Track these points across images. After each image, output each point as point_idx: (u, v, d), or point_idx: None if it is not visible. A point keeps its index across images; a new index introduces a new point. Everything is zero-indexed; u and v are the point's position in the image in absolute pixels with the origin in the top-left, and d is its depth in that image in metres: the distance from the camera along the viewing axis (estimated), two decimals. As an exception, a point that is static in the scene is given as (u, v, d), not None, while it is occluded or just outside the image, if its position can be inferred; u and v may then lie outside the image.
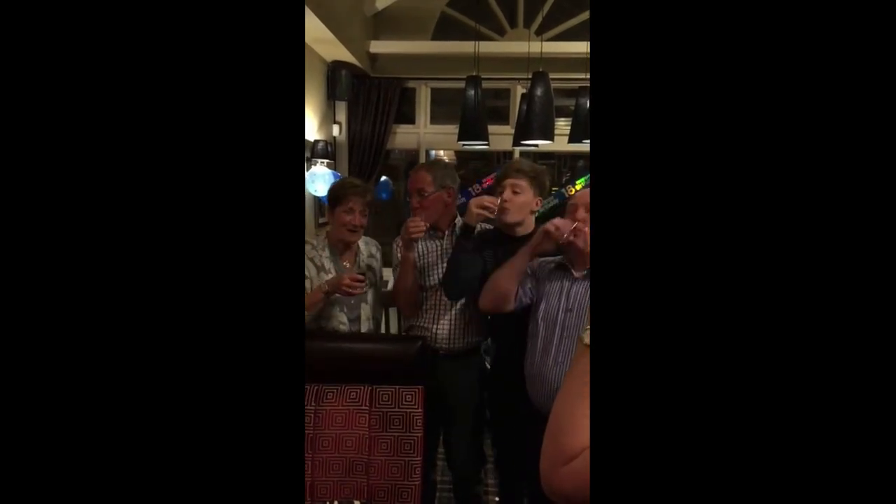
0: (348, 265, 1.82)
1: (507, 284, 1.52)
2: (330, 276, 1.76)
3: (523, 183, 1.62)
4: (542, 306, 1.50)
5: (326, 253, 1.80)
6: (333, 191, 1.80)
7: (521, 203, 1.63)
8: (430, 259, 1.79)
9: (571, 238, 1.39)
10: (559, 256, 1.55)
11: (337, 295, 1.70)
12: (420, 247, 1.78)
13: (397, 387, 1.64)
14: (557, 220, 1.44)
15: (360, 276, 1.66)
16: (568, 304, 1.45)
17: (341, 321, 1.78)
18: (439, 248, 1.79)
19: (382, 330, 2.53)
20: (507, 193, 1.63)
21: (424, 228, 1.65)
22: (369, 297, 1.83)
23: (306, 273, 1.75)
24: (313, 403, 1.64)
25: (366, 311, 1.82)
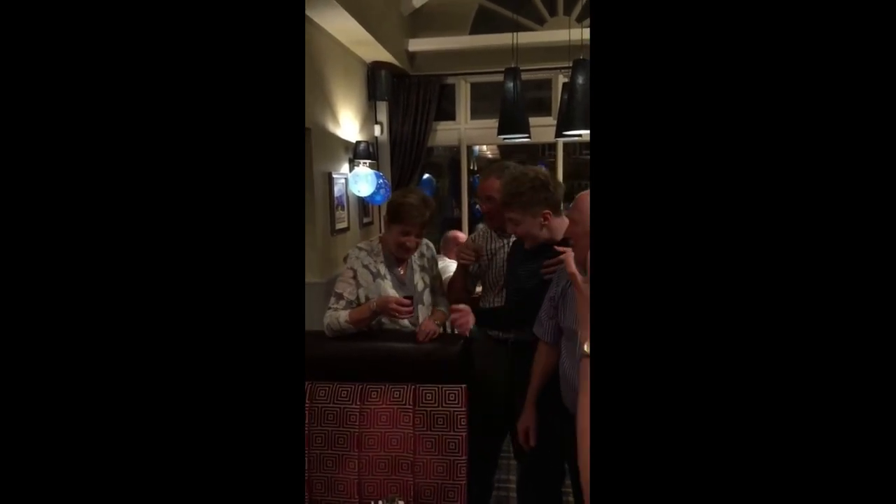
0: (402, 271, 1.86)
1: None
2: (386, 281, 1.79)
3: (515, 215, 1.71)
4: (564, 317, 1.46)
5: (381, 258, 1.82)
6: (394, 206, 1.80)
7: (522, 232, 1.75)
8: (499, 257, 1.96)
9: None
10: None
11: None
12: (491, 245, 1.98)
13: (440, 385, 1.63)
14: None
15: (407, 301, 1.67)
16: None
17: (403, 322, 1.80)
18: (507, 247, 1.97)
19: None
20: (509, 227, 1.77)
21: (473, 258, 1.95)
22: (425, 297, 1.85)
23: (360, 282, 1.77)
24: (358, 402, 1.65)
25: (423, 311, 1.84)
